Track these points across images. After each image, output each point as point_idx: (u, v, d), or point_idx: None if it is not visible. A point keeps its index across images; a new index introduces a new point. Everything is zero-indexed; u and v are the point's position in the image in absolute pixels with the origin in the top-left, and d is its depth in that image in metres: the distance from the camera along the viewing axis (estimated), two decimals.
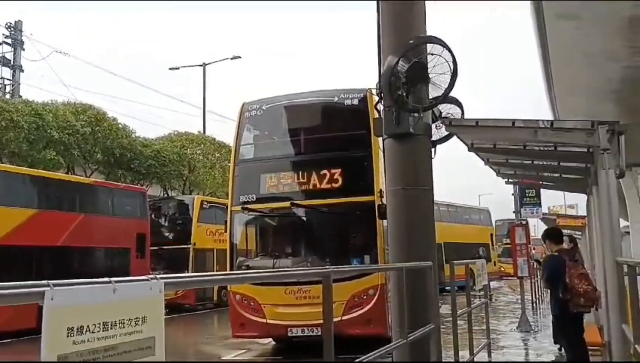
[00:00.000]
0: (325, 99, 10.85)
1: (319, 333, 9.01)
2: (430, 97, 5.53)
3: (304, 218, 10.45)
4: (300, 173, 10.33)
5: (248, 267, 10.17)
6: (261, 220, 10.77)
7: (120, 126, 23.88)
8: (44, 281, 1.45)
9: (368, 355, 3.95)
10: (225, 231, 10.66)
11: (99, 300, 1.58)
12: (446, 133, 6.13)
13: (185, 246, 20.26)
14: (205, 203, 21.97)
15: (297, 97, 10.97)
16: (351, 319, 9.12)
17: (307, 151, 10.70)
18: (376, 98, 6.20)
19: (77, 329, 1.50)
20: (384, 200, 8.90)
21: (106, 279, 1.61)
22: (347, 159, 10.21)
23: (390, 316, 7.57)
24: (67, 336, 1.47)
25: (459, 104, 6.21)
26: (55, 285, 1.45)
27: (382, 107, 5.70)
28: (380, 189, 9.36)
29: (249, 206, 10.22)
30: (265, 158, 10.86)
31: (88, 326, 1.53)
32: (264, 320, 9.66)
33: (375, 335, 8.72)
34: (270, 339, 11.05)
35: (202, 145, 28.45)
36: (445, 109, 6.22)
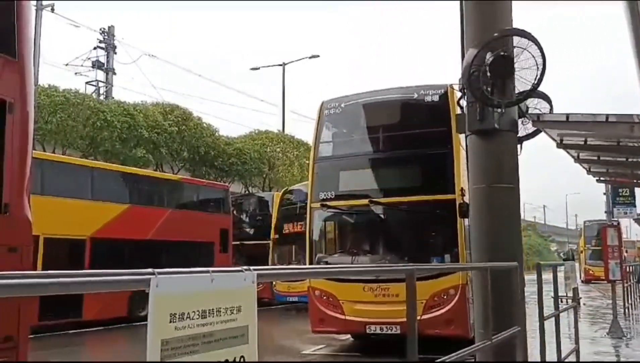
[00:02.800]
0: (405, 95, 10.74)
1: (398, 332, 9.02)
2: (516, 92, 5.37)
3: (383, 216, 10.41)
4: (379, 170, 10.30)
5: (327, 263, 10.26)
6: (340, 217, 10.83)
7: (205, 125, 24.81)
8: (149, 269, 1.55)
9: (450, 355, 3.89)
10: (306, 228, 10.81)
11: (198, 289, 1.67)
12: (533, 129, 5.91)
13: (266, 241, 20.74)
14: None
15: (376, 94, 10.93)
16: (431, 319, 8.99)
17: (386, 149, 10.65)
18: (458, 94, 6.09)
19: (179, 315, 1.59)
20: (465, 199, 8.71)
21: (204, 269, 1.70)
22: (427, 156, 10.07)
23: (471, 317, 7.41)
24: (170, 322, 1.56)
25: (547, 98, 5.98)
26: (159, 273, 1.55)
27: (464, 103, 5.58)
28: (462, 188, 9.16)
29: (328, 203, 10.31)
30: (344, 155, 10.90)
31: (188, 313, 1.61)
32: (343, 316, 9.73)
33: (455, 336, 8.56)
34: (349, 335, 11.13)
35: (281, 143, 29.01)
36: (532, 104, 6.01)
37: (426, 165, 9.93)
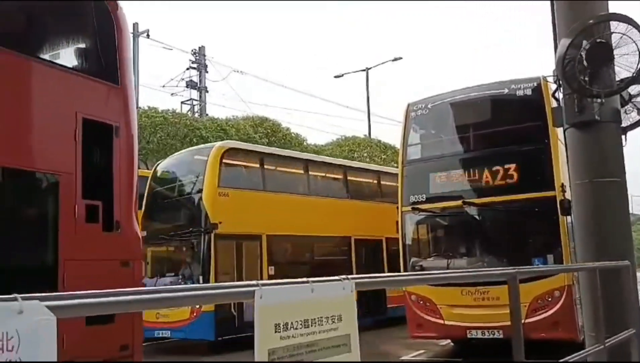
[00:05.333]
0: (495, 91, 10.40)
1: (501, 336, 8.71)
2: (616, 80, 5.05)
3: (478, 217, 10.11)
4: (471, 170, 10.02)
5: (422, 267, 10.12)
6: (432, 220, 10.65)
7: (293, 135, 25.35)
8: (253, 282, 1.62)
9: (561, 361, 3.72)
10: (397, 232, 10.73)
11: (299, 299, 1.72)
12: (638, 118, 5.53)
13: None
14: None
15: (463, 92, 10.66)
16: (535, 322, 8.60)
17: (478, 147, 10.35)
18: (552, 86, 5.82)
19: (283, 325, 1.64)
20: (566, 195, 8.28)
21: (304, 279, 1.75)
22: (522, 153, 9.67)
23: (579, 320, 7.02)
24: (275, 332, 1.62)
25: None
26: (262, 285, 1.61)
27: (560, 95, 5.32)
28: (562, 184, 8.72)
29: (419, 206, 10.17)
30: (434, 156, 10.71)
31: (292, 323, 1.67)
32: (442, 321, 9.54)
33: (563, 340, 8.14)
34: (449, 340, 10.90)
35: (368, 148, 29.01)
36: (636, 91, 5.62)
37: (522, 162, 9.54)
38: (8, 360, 1.01)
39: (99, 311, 1.22)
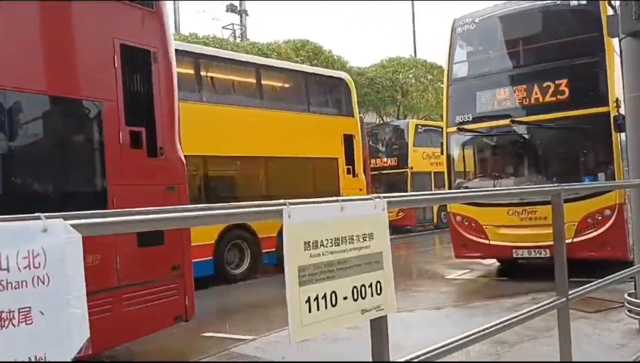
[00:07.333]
0: (546, 2, 9.79)
1: (547, 255, 8.65)
2: None
3: (526, 136, 9.80)
4: (520, 87, 9.63)
5: (467, 189, 10.01)
6: (479, 140, 10.41)
7: (335, 57, 24.83)
8: (281, 201, 1.61)
9: (606, 278, 3.67)
10: (442, 154, 10.59)
11: (329, 218, 1.71)
12: None
13: (403, 170, 20.73)
14: (420, 126, 22.00)
15: (513, 4, 10.09)
16: (584, 241, 8.48)
17: (527, 63, 9.89)
18: None
19: (312, 243, 1.65)
20: (621, 110, 7.90)
21: (333, 198, 1.73)
22: (574, 67, 9.19)
23: (630, 239, 6.86)
24: (305, 249, 1.63)
25: None
26: (290, 204, 1.60)
27: (617, 3, 4.94)
28: (617, 98, 8.29)
29: (465, 126, 9.93)
30: (481, 74, 10.32)
31: (322, 241, 1.67)
32: (487, 241, 9.52)
33: (612, 259, 8.02)
34: (494, 260, 10.92)
35: (413, 68, 28.22)
36: None
37: (574, 77, 9.08)
38: (35, 276, 1.04)
39: (120, 230, 1.24)
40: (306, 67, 15.71)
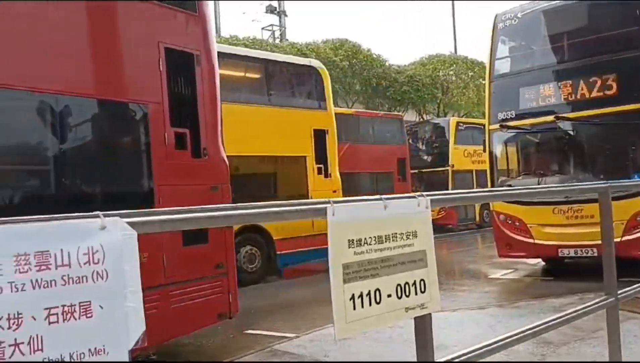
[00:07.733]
0: None
1: (595, 254, 8.41)
2: None
3: (571, 132, 9.56)
4: (565, 82, 9.40)
5: (511, 187, 9.84)
6: (522, 137, 10.21)
7: (374, 56, 24.76)
8: (325, 199, 1.64)
9: None
10: (484, 152, 10.44)
11: (373, 216, 1.72)
12: None
13: (444, 168, 20.50)
14: (461, 124, 21.70)
15: None
16: (633, 240, 8.23)
17: (572, 58, 9.64)
18: None
19: (356, 241, 1.67)
20: None
21: (377, 196, 1.74)
22: (622, 61, 8.90)
23: None
24: (349, 247, 1.65)
25: None
26: (334, 202, 1.63)
27: None
28: None
29: (507, 123, 9.76)
30: (524, 70, 10.12)
31: (365, 239, 1.69)
32: (532, 240, 9.34)
33: None
34: (539, 260, 10.70)
35: (454, 65, 27.88)
36: None
37: (622, 71, 8.80)
38: (95, 271, 1.10)
39: (173, 227, 1.29)
40: (267, 54, 13.94)
